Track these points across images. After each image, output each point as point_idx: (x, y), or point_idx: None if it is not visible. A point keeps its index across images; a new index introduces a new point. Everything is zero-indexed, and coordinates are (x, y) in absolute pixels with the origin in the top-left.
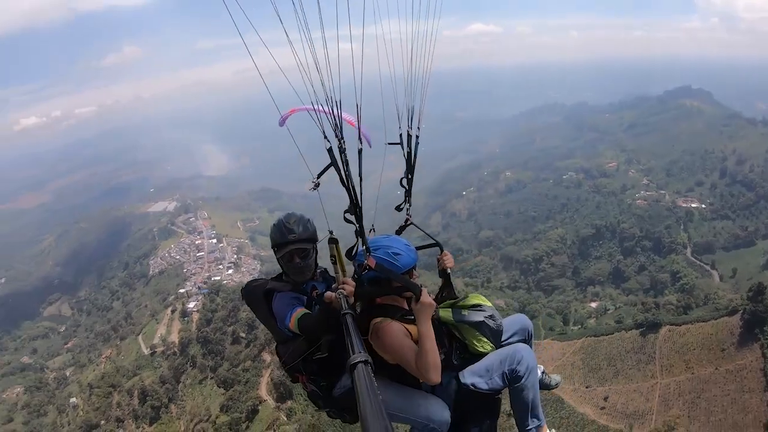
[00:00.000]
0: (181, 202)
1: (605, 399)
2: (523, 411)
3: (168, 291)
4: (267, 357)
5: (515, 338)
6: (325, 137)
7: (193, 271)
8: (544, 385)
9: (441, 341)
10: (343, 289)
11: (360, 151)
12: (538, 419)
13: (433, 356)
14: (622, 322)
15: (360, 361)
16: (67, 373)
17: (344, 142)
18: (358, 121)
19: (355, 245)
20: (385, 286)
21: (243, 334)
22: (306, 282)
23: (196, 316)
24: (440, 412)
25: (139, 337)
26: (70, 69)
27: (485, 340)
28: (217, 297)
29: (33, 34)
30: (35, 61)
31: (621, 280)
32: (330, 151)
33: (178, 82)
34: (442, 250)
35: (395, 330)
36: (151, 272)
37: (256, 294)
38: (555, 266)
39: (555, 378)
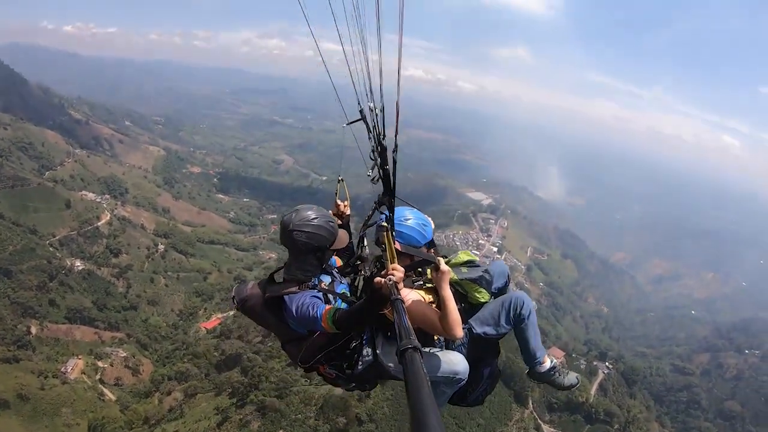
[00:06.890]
0: (497, 202)
1: None
2: (528, 346)
3: None
4: None
5: (501, 281)
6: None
7: None
8: (557, 385)
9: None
10: (392, 275)
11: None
12: (541, 350)
13: (456, 314)
14: None
15: (411, 347)
16: None
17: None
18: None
19: (369, 216)
20: (403, 262)
21: None
22: (313, 275)
23: None
24: (462, 363)
25: None
26: (465, 46)
27: (483, 290)
28: None
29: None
30: (439, 26)
31: None
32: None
33: (553, 101)
34: None
35: (415, 299)
36: None
37: (255, 304)
38: None
39: (570, 378)
